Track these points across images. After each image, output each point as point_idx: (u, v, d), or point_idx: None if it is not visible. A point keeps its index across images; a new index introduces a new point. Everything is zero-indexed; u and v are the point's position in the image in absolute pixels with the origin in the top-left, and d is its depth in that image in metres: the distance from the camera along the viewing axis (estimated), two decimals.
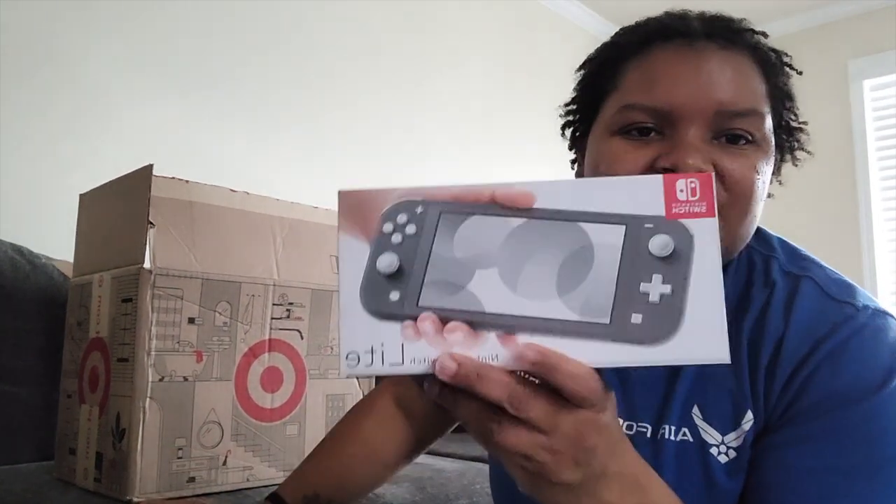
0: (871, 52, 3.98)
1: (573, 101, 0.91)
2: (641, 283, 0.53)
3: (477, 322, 0.54)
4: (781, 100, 0.82)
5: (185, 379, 1.21)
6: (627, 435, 0.74)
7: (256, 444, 1.29)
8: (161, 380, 1.18)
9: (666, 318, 0.52)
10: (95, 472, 1.22)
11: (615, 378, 0.85)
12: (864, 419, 0.72)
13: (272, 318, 1.32)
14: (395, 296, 0.55)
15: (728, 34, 0.79)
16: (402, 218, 0.57)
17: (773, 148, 0.81)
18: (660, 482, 0.64)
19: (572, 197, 0.55)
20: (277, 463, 1.31)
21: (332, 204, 1.59)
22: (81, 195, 1.42)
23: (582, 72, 0.90)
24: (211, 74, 2.48)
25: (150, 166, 1.20)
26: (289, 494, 1.02)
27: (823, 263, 0.85)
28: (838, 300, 0.78)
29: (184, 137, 2.37)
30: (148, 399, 1.16)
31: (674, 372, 0.82)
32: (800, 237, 3.74)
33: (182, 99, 2.39)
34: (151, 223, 1.18)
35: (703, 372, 0.80)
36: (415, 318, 0.54)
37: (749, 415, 0.77)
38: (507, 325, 0.53)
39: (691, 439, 0.79)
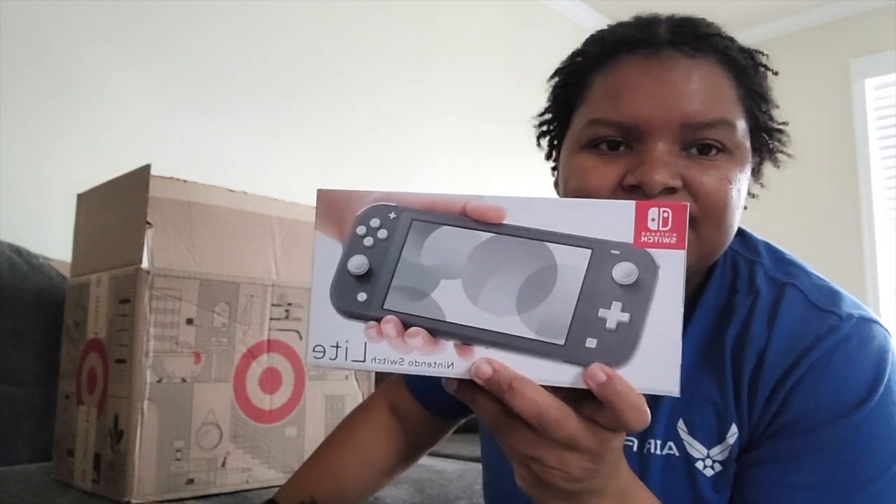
0: (873, 51, 3.97)
1: (546, 111, 0.90)
2: (601, 309, 0.53)
3: (437, 330, 0.55)
4: (756, 102, 0.80)
5: (184, 380, 1.20)
6: None
7: (255, 445, 1.28)
8: (159, 381, 1.17)
9: (620, 346, 0.52)
10: (93, 473, 1.22)
11: None
12: (848, 435, 0.71)
13: (271, 319, 1.31)
14: (362, 297, 0.56)
15: (694, 41, 0.77)
16: (375, 222, 0.58)
17: (747, 153, 0.79)
18: (648, 494, 0.65)
19: (543, 216, 0.55)
20: (277, 464, 1.31)
21: None
22: (79, 195, 1.41)
23: (553, 80, 0.88)
24: (209, 74, 2.48)
25: (148, 166, 1.20)
26: (285, 500, 1.02)
27: (809, 268, 0.85)
28: (823, 310, 0.77)
29: (182, 137, 2.36)
30: (146, 400, 1.16)
31: None
32: (802, 237, 3.77)
33: (180, 99, 2.39)
34: (149, 223, 1.18)
35: (688, 384, 0.77)
36: (379, 320, 0.56)
37: (734, 428, 0.76)
38: (466, 336, 0.54)
39: (677, 453, 0.79)
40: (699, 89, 0.74)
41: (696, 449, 0.78)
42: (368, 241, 0.58)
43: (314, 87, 2.81)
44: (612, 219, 0.54)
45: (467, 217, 0.56)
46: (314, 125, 2.79)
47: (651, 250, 0.53)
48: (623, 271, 0.53)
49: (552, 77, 0.88)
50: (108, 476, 1.18)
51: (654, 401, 0.76)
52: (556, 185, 0.89)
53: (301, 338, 1.36)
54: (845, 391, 0.72)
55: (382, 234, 0.58)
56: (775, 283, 0.81)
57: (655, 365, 0.52)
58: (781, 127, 0.85)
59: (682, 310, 0.52)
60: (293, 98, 2.73)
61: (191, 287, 1.21)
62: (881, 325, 0.77)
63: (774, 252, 0.87)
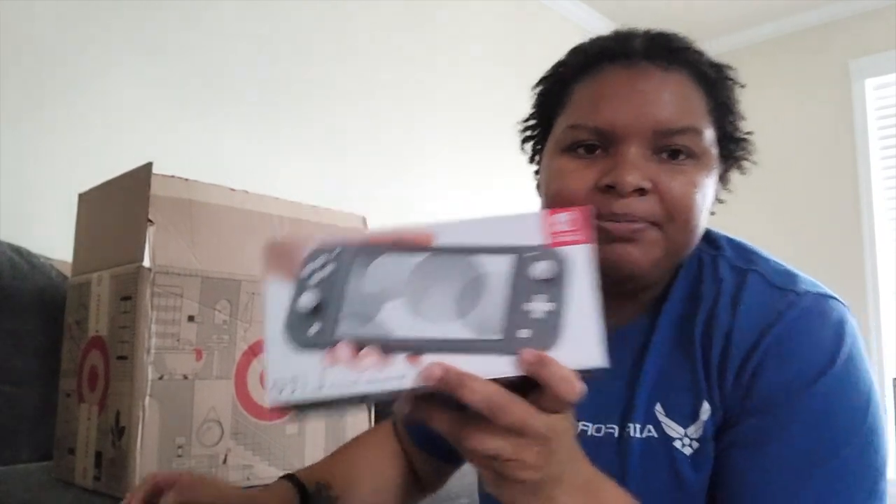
0: (873, 51, 3.97)
1: (530, 117, 0.95)
2: (528, 303, 0.60)
3: (387, 346, 0.59)
4: (724, 113, 0.86)
5: (185, 377, 1.21)
6: (596, 437, 0.84)
7: (256, 442, 1.28)
8: (160, 378, 1.18)
9: (549, 332, 0.58)
10: (95, 470, 1.22)
11: None
12: (815, 404, 0.75)
13: None
14: (314, 329, 0.60)
15: (667, 54, 0.83)
16: (321, 260, 0.63)
17: (714, 160, 0.84)
18: (612, 485, 0.68)
19: (468, 234, 0.62)
20: (277, 462, 1.31)
21: (333, 203, 1.59)
22: (81, 194, 1.41)
23: (538, 88, 0.94)
24: (210, 73, 2.48)
25: (150, 165, 1.20)
26: (303, 476, 1.03)
27: (769, 256, 0.88)
28: (781, 289, 0.81)
29: (183, 136, 2.36)
30: (147, 397, 1.16)
31: (635, 375, 0.85)
32: (802, 237, 3.76)
33: (182, 97, 2.39)
34: (151, 221, 1.18)
35: (662, 372, 0.84)
36: (333, 347, 0.60)
37: (706, 405, 0.80)
38: (414, 348, 0.59)
39: (656, 435, 0.82)
40: (670, 99, 0.81)
41: (673, 429, 0.81)
42: (316, 279, 0.62)
43: (315, 86, 2.81)
44: (527, 227, 0.62)
45: (402, 244, 0.62)
46: (314, 124, 2.79)
47: (563, 248, 0.61)
48: (542, 269, 0.60)
49: (537, 85, 0.94)
50: (109, 473, 1.18)
51: (630, 389, 0.84)
52: (538, 187, 0.94)
53: None
54: (808, 361, 0.76)
55: (329, 270, 0.62)
56: (737, 270, 0.85)
57: (581, 343, 0.58)
58: (746, 137, 0.90)
59: (597, 294, 0.59)
60: (294, 97, 2.73)
61: (192, 284, 1.22)
62: (839, 301, 0.81)
63: (735, 244, 0.91)
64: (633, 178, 0.77)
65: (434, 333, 0.59)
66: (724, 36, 4.43)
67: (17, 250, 1.61)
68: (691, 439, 0.80)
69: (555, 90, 0.90)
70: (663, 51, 0.83)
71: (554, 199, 0.84)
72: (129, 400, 1.16)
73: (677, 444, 0.81)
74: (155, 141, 2.27)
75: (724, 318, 0.81)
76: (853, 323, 0.80)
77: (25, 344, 1.56)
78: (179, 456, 1.19)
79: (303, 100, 2.76)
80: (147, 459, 1.15)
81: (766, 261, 0.87)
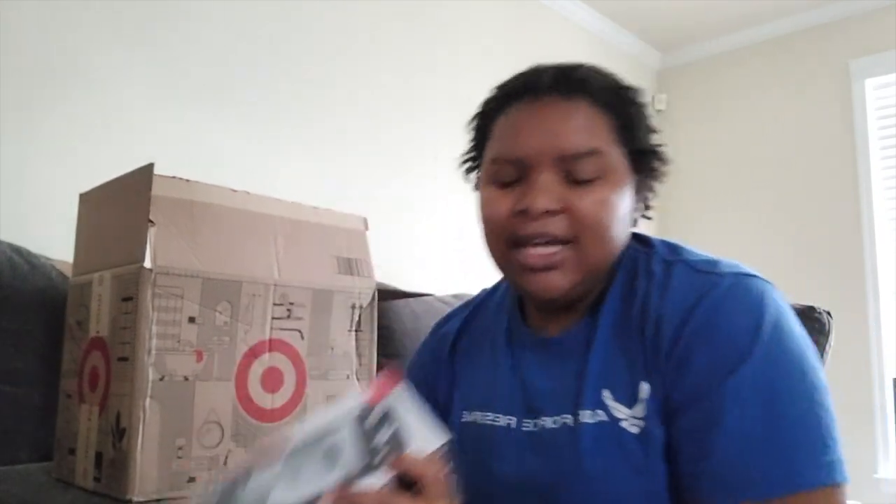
0: (873, 51, 3.97)
1: (468, 150, 1.05)
2: (376, 437, 0.80)
3: None
4: (629, 130, 0.93)
5: (186, 378, 1.20)
6: (554, 428, 0.93)
7: (257, 444, 1.28)
8: (161, 379, 1.17)
9: (398, 444, 0.80)
10: (95, 471, 1.22)
11: (519, 389, 1.01)
12: (751, 379, 0.80)
13: (273, 318, 1.32)
14: None
15: (569, 85, 0.92)
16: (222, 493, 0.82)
17: (624, 176, 0.93)
18: None
19: (313, 424, 0.83)
20: None
21: (333, 203, 1.59)
22: (82, 194, 1.41)
23: (472, 123, 1.04)
24: (211, 73, 2.48)
25: (151, 165, 1.20)
26: None
27: (698, 251, 0.96)
28: (704, 272, 0.88)
29: (185, 136, 2.36)
30: (148, 398, 1.16)
31: (582, 369, 0.93)
32: (802, 237, 3.75)
33: (183, 98, 2.39)
34: (152, 222, 1.18)
35: (607, 362, 0.92)
36: None
37: (644, 385, 0.87)
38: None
39: (606, 418, 0.89)
40: (573, 126, 0.90)
41: (620, 411, 0.89)
42: None
43: (315, 86, 2.81)
44: (355, 399, 0.84)
45: (265, 457, 0.81)
46: (315, 125, 2.79)
47: (383, 399, 0.83)
48: (374, 416, 0.82)
49: (470, 121, 1.03)
50: (109, 474, 1.18)
51: (580, 381, 0.93)
52: (478, 211, 1.01)
53: (303, 337, 1.36)
54: (735, 339, 0.82)
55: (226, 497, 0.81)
56: (666, 263, 0.93)
57: (422, 437, 0.81)
58: (656, 149, 0.97)
59: (417, 404, 0.83)
60: (294, 97, 2.73)
61: (193, 286, 1.21)
62: (759, 278, 0.88)
63: (668, 244, 0.99)
64: (541, 203, 0.87)
65: (315, 490, 0.77)
66: (724, 36, 4.43)
67: (17, 250, 1.60)
68: (636, 419, 0.87)
69: (481, 125, 1.00)
70: (566, 82, 0.92)
71: (483, 226, 0.96)
72: (129, 401, 1.15)
73: (624, 424, 0.88)
74: (155, 141, 2.27)
75: (655, 305, 0.89)
76: (775, 295, 0.87)
77: (25, 344, 1.56)
78: (180, 458, 1.19)
79: (303, 100, 2.76)
80: (147, 461, 1.15)
81: (692, 252, 0.95)
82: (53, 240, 1.77)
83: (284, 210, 1.37)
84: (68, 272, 1.47)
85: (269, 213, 1.35)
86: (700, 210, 4.45)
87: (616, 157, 0.92)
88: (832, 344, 2.08)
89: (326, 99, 2.84)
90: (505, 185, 0.92)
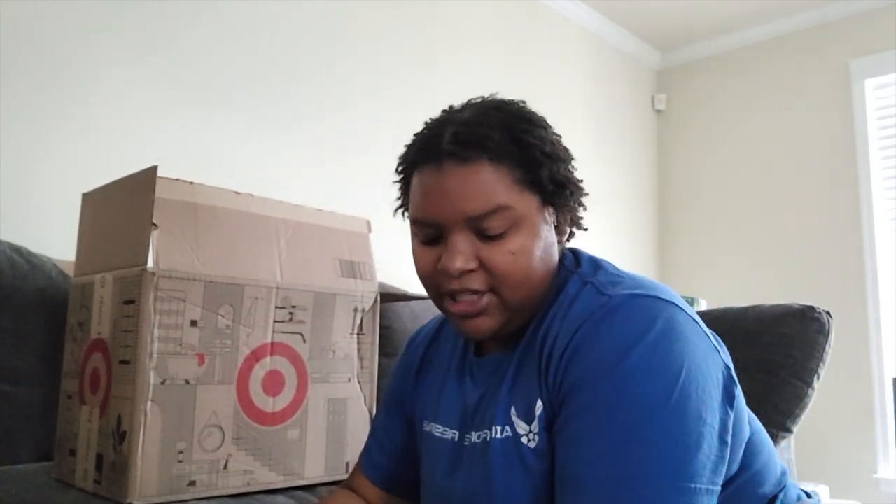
0: (873, 51, 3.96)
1: (399, 197, 1.08)
2: None
3: None
4: (535, 172, 0.95)
5: (187, 382, 1.20)
6: (477, 443, 0.99)
7: (258, 447, 1.28)
8: (163, 382, 1.17)
9: None
10: (95, 473, 1.21)
11: (461, 404, 1.06)
12: (613, 388, 0.84)
13: (275, 321, 1.31)
14: None
15: (464, 150, 0.93)
16: None
17: (538, 219, 0.96)
18: None
19: None
20: (278, 467, 1.31)
21: (336, 205, 1.58)
22: (84, 194, 1.41)
23: (397, 177, 1.06)
24: (215, 76, 2.47)
25: (155, 167, 1.20)
26: None
27: (618, 270, 1.00)
28: (603, 293, 0.92)
29: (187, 138, 2.35)
30: (149, 402, 1.15)
31: (499, 386, 0.99)
32: (802, 237, 3.75)
33: (186, 100, 2.38)
34: (155, 224, 1.17)
35: (516, 382, 0.97)
36: None
37: (538, 403, 0.93)
38: None
39: (510, 434, 0.95)
40: (473, 189, 0.92)
41: (521, 427, 0.94)
42: None
43: (318, 89, 2.80)
44: None
45: None
46: (318, 127, 2.78)
47: None
48: None
49: (395, 172, 1.06)
50: (109, 477, 1.18)
51: (497, 398, 0.98)
52: None
53: (304, 340, 1.36)
54: (607, 349, 0.85)
55: None
56: (581, 283, 0.97)
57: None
58: (568, 177, 1.00)
59: None
60: (298, 100, 2.72)
61: (195, 289, 1.21)
62: (657, 298, 0.90)
63: (593, 262, 1.03)
64: (457, 264, 0.92)
65: None
66: (724, 35, 4.42)
67: (18, 250, 1.60)
68: (533, 433, 0.92)
69: (402, 181, 1.04)
70: (463, 147, 0.93)
71: (418, 276, 1.00)
72: (130, 404, 1.15)
73: (524, 439, 0.93)
74: (157, 142, 2.27)
75: (555, 327, 0.93)
76: (670, 314, 0.88)
77: (25, 343, 1.55)
78: (180, 461, 1.19)
79: (306, 102, 2.75)
80: (148, 464, 1.15)
81: (607, 272, 0.99)
82: (53, 239, 1.77)
83: (287, 212, 1.37)
84: (69, 271, 1.46)
85: (271, 215, 1.34)
86: (699, 209, 4.44)
87: (524, 204, 0.95)
88: (832, 344, 2.08)
89: (329, 101, 2.83)
90: (426, 242, 0.98)
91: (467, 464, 1.00)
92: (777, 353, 2.03)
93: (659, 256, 4.53)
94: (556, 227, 1.00)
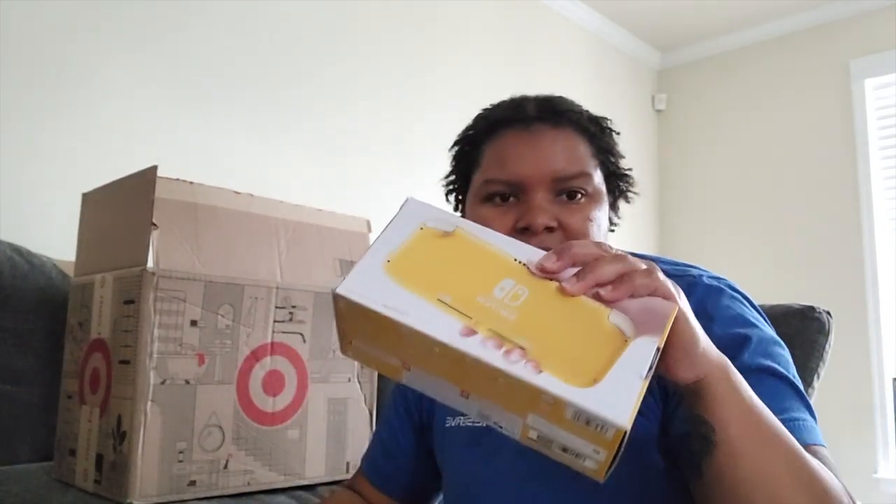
0: (873, 51, 3.96)
1: (450, 173, 1.12)
2: None
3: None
4: (606, 156, 1.04)
5: (187, 382, 1.20)
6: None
7: (258, 447, 1.28)
8: (163, 382, 1.17)
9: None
10: (95, 473, 1.21)
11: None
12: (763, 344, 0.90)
13: (275, 321, 1.31)
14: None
15: (555, 116, 1.01)
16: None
17: (604, 196, 1.03)
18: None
19: None
20: (278, 467, 1.31)
21: (335, 204, 1.58)
22: (84, 194, 1.41)
23: (455, 150, 1.10)
24: (217, 77, 2.47)
25: (155, 168, 1.20)
26: None
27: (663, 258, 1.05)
28: (680, 276, 0.96)
29: (189, 140, 2.35)
30: (149, 402, 1.16)
31: None
32: (801, 237, 3.74)
33: (188, 101, 2.38)
34: (155, 225, 1.17)
35: None
36: None
37: None
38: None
39: None
40: (563, 151, 0.99)
41: None
42: None
43: (317, 88, 2.80)
44: None
45: None
46: (317, 127, 2.78)
47: None
48: None
49: (452, 147, 1.10)
50: (109, 477, 1.18)
51: None
52: None
53: (304, 340, 1.36)
54: (735, 322, 0.92)
55: None
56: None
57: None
58: (626, 172, 1.08)
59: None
60: (297, 100, 2.72)
61: (195, 289, 1.21)
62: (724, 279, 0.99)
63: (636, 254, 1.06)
64: (542, 220, 0.95)
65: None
66: (724, 36, 4.42)
67: (17, 250, 1.60)
68: None
69: (468, 150, 1.07)
70: (551, 113, 1.01)
71: None
72: (131, 404, 1.15)
73: None
74: (157, 141, 2.27)
75: None
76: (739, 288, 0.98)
77: (26, 343, 1.55)
78: (180, 461, 1.19)
79: (305, 102, 2.75)
80: (148, 464, 1.15)
81: (661, 260, 1.03)
82: (53, 239, 1.77)
83: (287, 212, 1.37)
84: (69, 271, 1.46)
85: (271, 215, 1.34)
86: (699, 209, 4.45)
87: (597, 178, 1.02)
88: (832, 344, 2.08)
89: (328, 100, 2.83)
90: (499, 204, 1.00)
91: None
92: None
93: (659, 256, 4.52)
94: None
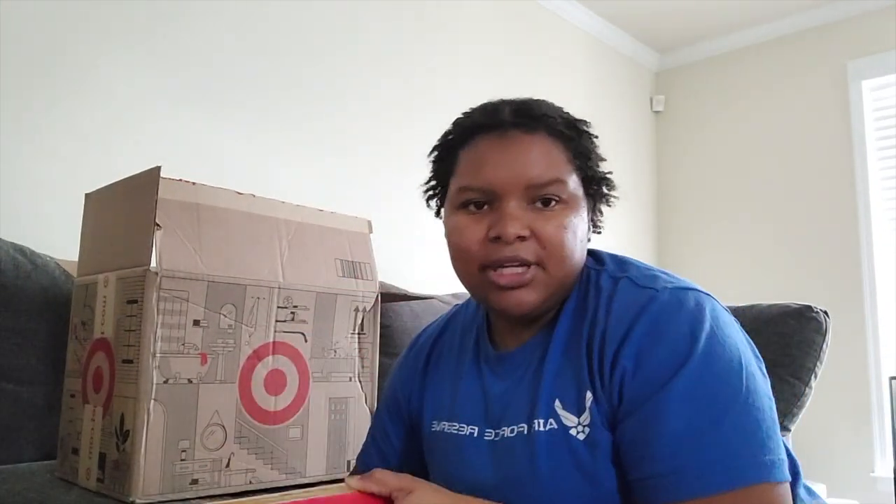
0: (871, 52, 3.97)
1: (429, 179, 1.11)
2: None
3: None
4: (583, 160, 1.02)
5: (190, 381, 1.21)
6: (510, 437, 0.99)
7: (260, 446, 1.29)
8: (165, 381, 1.18)
9: None
10: (98, 472, 1.22)
11: (481, 401, 1.07)
12: (688, 384, 0.85)
13: (277, 321, 1.32)
14: None
15: (530, 121, 1.00)
16: None
17: (581, 201, 1.01)
18: None
19: None
20: (280, 466, 1.32)
21: (337, 207, 1.59)
22: (87, 194, 1.41)
23: (433, 156, 1.10)
24: (218, 77, 2.47)
25: (158, 168, 1.20)
26: None
27: (643, 265, 1.03)
28: (644, 287, 0.95)
29: (191, 140, 2.36)
30: (152, 401, 1.16)
31: (536, 380, 1.00)
32: (800, 238, 3.77)
33: (189, 101, 2.38)
34: (158, 225, 1.18)
35: (558, 373, 0.98)
36: None
37: (588, 394, 0.94)
38: None
39: (556, 426, 0.95)
40: (537, 157, 0.98)
41: (569, 419, 0.95)
42: None
43: (319, 89, 2.80)
44: None
45: None
46: (319, 127, 2.78)
47: None
48: None
49: (431, 153, 1.10)
50: (112, 476, 1.19)
51: (534, 392, 0.99)
52: (446, 236, 1.07)
53: (306, 340, 1.37)
54: (673, 348, 0.87)
55: None
56: (613, 279, 1.00)
57: None
58: (607, 176, 1.06)
59: None
60: (299, 100, 2.73)
61: (198, 289, 1.22)
62: (697, 290, 0.95)
63: (616, 258, 1.07)
64: (513, 229, 0.94)
65: None
66: (722, 37, 4.43)
67: (21, 249, 1.60)
68: (583, 426, 0.93)
69: (445, 157, 1.07)
70: (527, 118, 1.00)
71: (455, 251, 1.02)
72: (134, 403, 1.16)
73: (573, 431, 0.94)
74: (159, 142, 2.27)
75: (601, 320, 0.95)
76: (712, 305, 0.93)
77: (29, 343, 1.56)
78: (183, 460, 1.20)
79: (307, 103, 2.76)
80: (151, 462, 1.16)
81: (637, 268, 1.01)
82: (56, 239, 1.78)
83: (289, 213, 1.38)
84: (72, 270, 1.47)
85: (273, 215, 1.35)
86: (698, 210, 4.46)
87: (573, 183, 1.00)
88: (829, 343, 2.09)
89: (329, 101, 2.84)
90: (473, 212, 1.00)
91: (499, 458, 1.01)
92: (775, 353, 2.04)
93: (657, 257, 4.53)
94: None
